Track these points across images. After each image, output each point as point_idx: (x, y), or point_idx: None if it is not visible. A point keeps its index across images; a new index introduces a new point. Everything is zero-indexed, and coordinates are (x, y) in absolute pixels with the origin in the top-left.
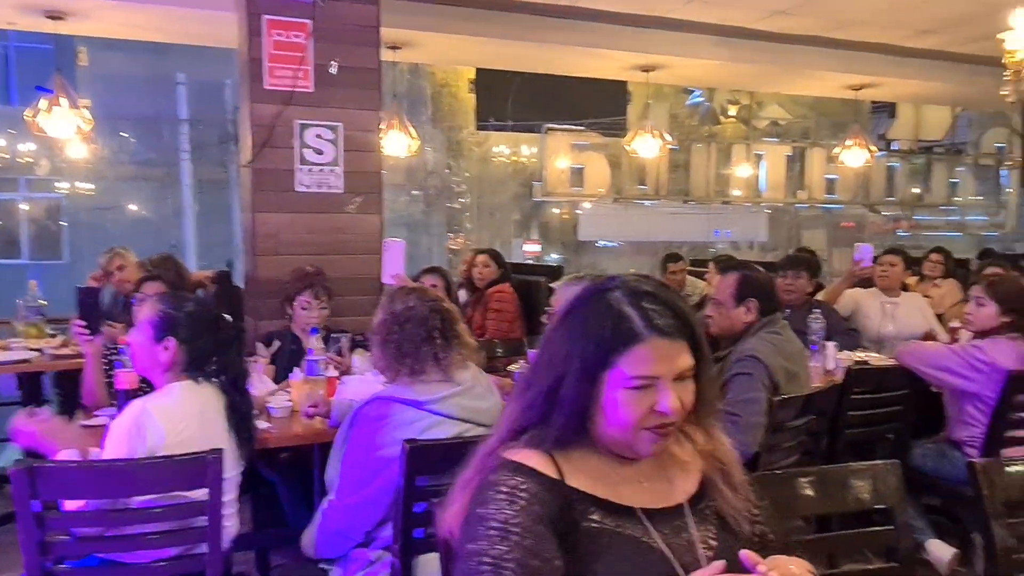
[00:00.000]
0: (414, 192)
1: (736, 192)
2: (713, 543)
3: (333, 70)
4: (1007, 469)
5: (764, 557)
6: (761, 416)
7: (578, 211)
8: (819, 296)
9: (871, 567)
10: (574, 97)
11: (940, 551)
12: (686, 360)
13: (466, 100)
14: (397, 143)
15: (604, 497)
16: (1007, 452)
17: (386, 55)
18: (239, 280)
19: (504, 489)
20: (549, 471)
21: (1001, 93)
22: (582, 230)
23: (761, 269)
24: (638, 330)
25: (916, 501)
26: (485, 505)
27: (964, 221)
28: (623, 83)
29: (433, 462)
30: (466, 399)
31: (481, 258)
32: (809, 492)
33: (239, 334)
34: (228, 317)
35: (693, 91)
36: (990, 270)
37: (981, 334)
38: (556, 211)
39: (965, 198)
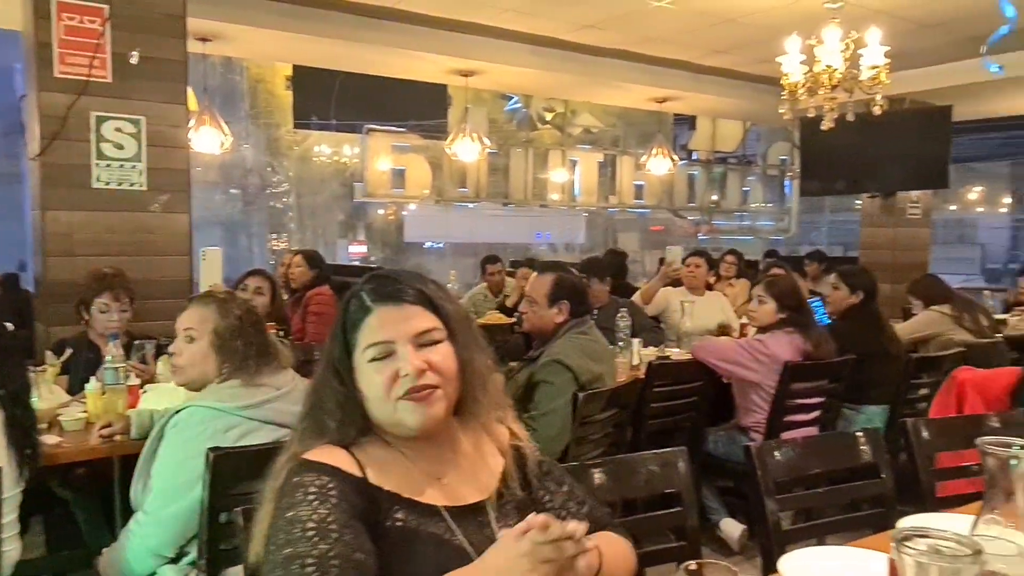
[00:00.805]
0: (232, 190)
1: (554, 196)
2: None
3: (134, 60)
4: (776, 451)
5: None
6: (557, 428)
7: (404, 212)
8: (635, 296)
9: (665, 546)
10: (396, 99)
11: (731, 528)
12: (423, 322)
13: (283, 97)
14: (209, 139)
15: (408, 496)
16: (786, 435)
17: (195, 47)
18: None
19: (313, 490)
20: (352, 469)
21: (779, 111)
22: (408, 231)
23: (575, 272)
24: (367, 304)
25: (711, 484)
26: (296, 508)
27: (755, 226)
28: (444, 87)
29: (241, 470)
30: (284, 403)
31: (295, 259)
32: (607, 480)
33: (22, 342)
34: (9, 325)
35: (511, 97)
36: (773, 271)
37: (763, 329)
38: (381, 212)
39: (755, 205)
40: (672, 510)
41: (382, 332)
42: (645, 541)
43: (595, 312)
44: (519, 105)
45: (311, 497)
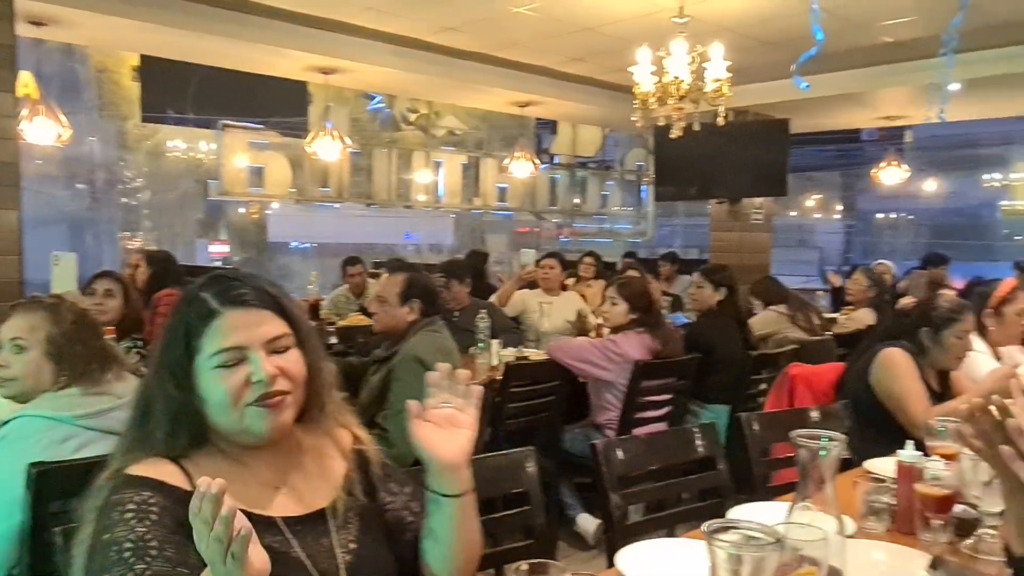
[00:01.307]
0: (79, 185)
1: (419, 197)
2: (353, 546)
3: None
4: (619, 448)
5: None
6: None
7: (267, 212)
8: (492, 298)
9: (516, 544)
10: (255, 95)
11: (587, 523)
12: (275, 327)
13: (130, 88)
14: (44, 130)
15: (242, 508)
16: (637, 431)
17: (28, 31)
18: None
19: (131, 507)
20: (179, 482)
21: (632, 119)
22: (272, 231)
23: (427, 273)
24: (213, 307)
25: (569, 480)
26: (112, 529)
27: (615, 229)
28: (304, 84)
29: (70, 484)
30: (125, 412)
31: (137, 258)
32: None
33: None
34: None
35: (374, 97)
36: (628, 273)
37: (615, 329)
38: (243, 211)
39: (614, 209)
40: (521, 509)
41: (233, 337)
42: (494, 542)
43: (456, 314)
44: (382, 105)
45: (128, 516)
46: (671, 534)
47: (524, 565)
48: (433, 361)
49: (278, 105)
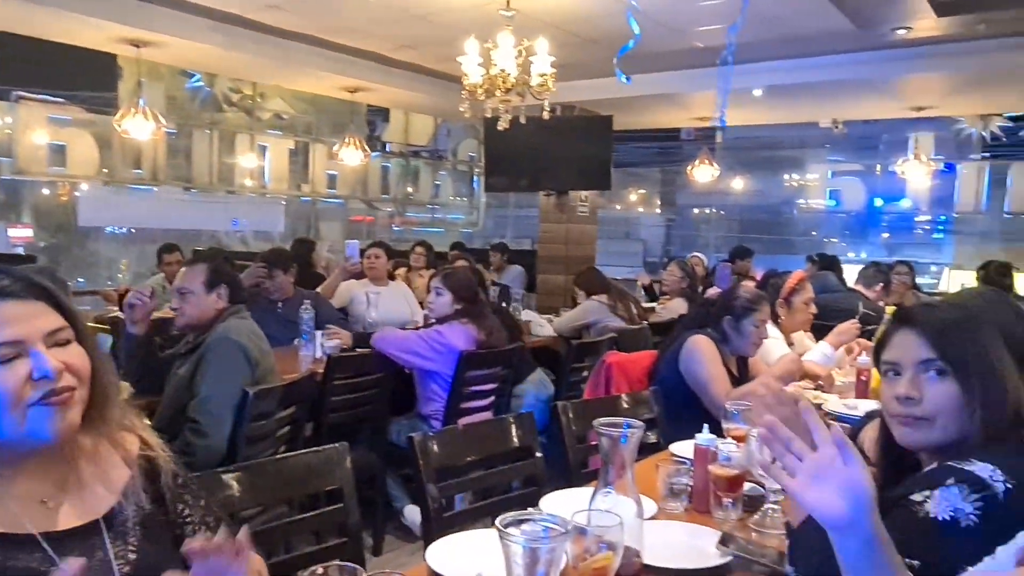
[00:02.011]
0: None
1: (247, 182)
2: (132, 556)
3: None
4: (435, 441)
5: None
6: (224, 412)
7: (77, 194)
8: (319, 289)
9: (325, 545)
10: (56, 65)
11: (413, 515)
12: (52, 320)
13: None
14: None
15: None
16: (462, 421)
17: None
18: None
19: None
20: None
21: (460, 109)
22: (83, 215)
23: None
24: None
25: (395, 472)
26: None
27: (447, 219)
28: (112, 56)
29: None
30: None
31: None
32: (267, 480)
33: None
34: None
35: (193, 74)
36: (456, 263)
37: (440, 320)
38: (48, 192)
39: (447, 199)
40: (335, 507)
41: (8, 331)
42: (303, 543)
43: (280, 304)
44: (202, 83)
45: None
46: (494, 523)
47: (319, 569)
48: (248, 344)
49: (83, 78)
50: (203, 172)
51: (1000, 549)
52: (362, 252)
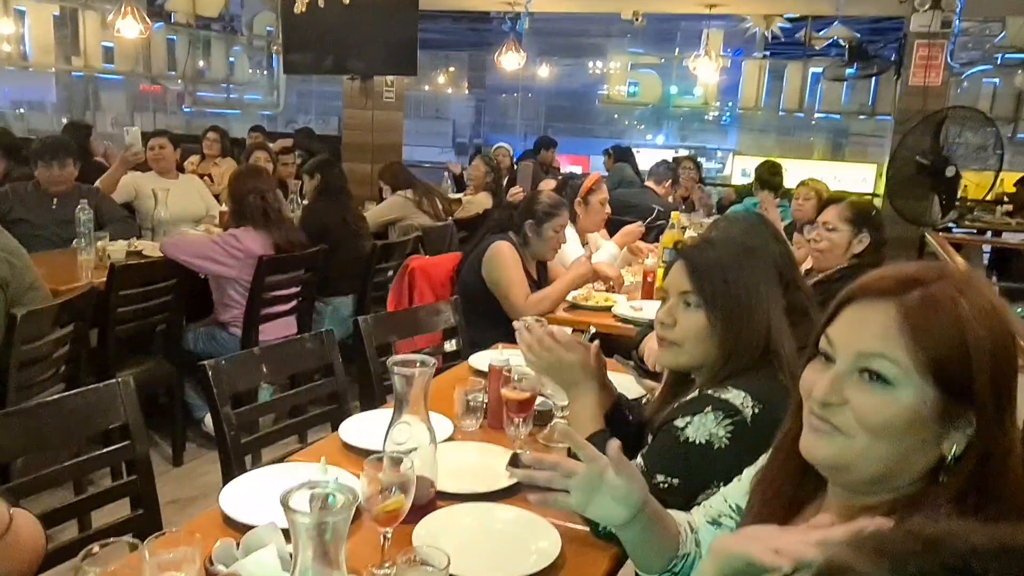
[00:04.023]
0: None
1: (5, 47)
2: None
3: None
4: (229, 365)
5: None
6: None
7: None
8: (97, 184)
9: (116, 483)
10: None
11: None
12: None
13: None
14: None
15: None
16: (263, 327)
17: None
18: None
19: None
20: None
21: None
22: None
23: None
24: None
25: (194, 380)
26: None
27: (244, 100)
28: None
29: None
30: None
31: None
32: (48, 426)
33: None
34: None
35: None
36: (254, 154)
37: (237, 223)
38: None
39: (243, 77)
40: (120, 445)
41: None
42: (90, 484)
43: (55, 201)
44: None
45: None
46: (302, 440)
47: (95, 548)
48: None
49: None
50: None
51: (747, 470)
52: (145, 140)
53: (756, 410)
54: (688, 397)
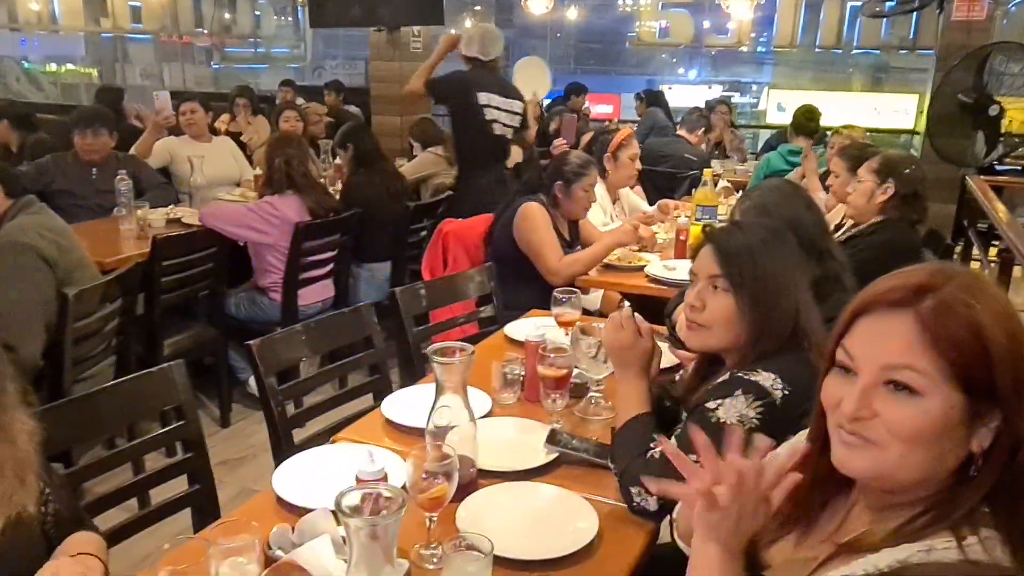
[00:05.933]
0: None
1: (34, 6)
2: None
3: None
4: (276, 344)
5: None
6: (26, 322)
7: None
8: (132, 151)
9: (175, 459)
10: None
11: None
12: None
13: None
14: None
15: None
16: (302, 291)
17: None
18: None
19: None
20: None
21: None
22: None
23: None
24: None
25: (238, 344)
26: None
27: (271, 53)
28: None
29: None
30: None
31: None
32: (106, 411)
33: None
34: None
35: None
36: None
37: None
38: None
39: (270, 30)
40: (177, 424)
41: None
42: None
43: (94, 171)
44: None
45: None
46: (347, 404)
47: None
48: (44, 243)
49: None
50: None
51: (779, 447)
52: (176, 106)
53: (786, 392)
54: (719, 380)
